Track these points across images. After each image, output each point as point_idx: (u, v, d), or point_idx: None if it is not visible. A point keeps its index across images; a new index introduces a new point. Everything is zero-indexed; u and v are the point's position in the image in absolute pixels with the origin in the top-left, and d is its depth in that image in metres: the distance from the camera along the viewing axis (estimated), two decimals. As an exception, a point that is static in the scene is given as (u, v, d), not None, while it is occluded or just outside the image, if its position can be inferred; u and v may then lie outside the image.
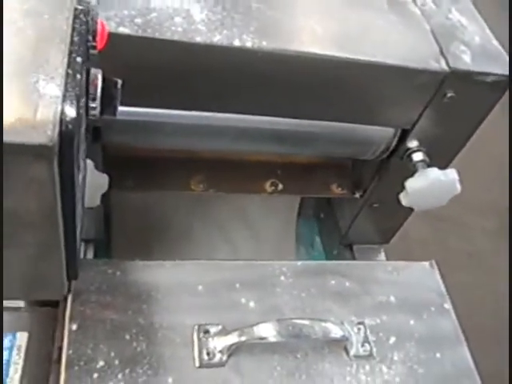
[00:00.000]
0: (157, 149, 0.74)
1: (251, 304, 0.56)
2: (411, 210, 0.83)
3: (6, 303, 0.57)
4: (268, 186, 0.79)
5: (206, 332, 0.53)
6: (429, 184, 0.66)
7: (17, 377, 0.51)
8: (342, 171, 0.84)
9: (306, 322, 0.52)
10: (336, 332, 0.53)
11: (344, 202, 0.88)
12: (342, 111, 0.63)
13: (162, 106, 0.59)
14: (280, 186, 0.80)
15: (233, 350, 0.52)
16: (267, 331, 0.51)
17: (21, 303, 0.57)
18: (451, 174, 0.67)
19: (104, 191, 0.57)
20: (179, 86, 0.54)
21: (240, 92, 0.56)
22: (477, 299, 1.59)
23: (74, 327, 0.51)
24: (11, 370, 0.51)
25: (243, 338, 0.51)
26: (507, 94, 0.63)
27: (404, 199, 0.69)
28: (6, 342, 0.52)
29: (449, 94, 0.63)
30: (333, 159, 0.83)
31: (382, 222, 0.85)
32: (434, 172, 0.66)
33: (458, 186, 0.68)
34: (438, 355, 0.58)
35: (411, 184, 0.67)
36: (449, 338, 0.59)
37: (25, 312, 0.56)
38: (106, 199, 0.76)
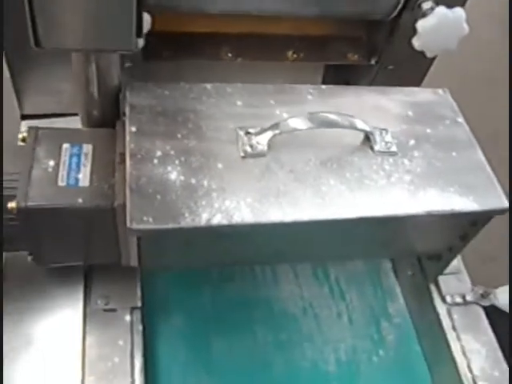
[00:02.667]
0: (189, 21, 0.81)
1: (285, 114, 0.63)
2: (426, 66, 0.90)
3: (66, 125, 0.66)
4: (290, 55, 0.86)
5: (248, 133, 0.60)
6: (438, 21, 0.73)
7: (87, 173, 0.58)
8: (356, 41, 0.90)
9: (335, 115, 0.60)
10: (362, 126, 0.61)
11: (360, 74, 0.95)
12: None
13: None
14: (301, 55, 0.87)
15: (272, 143, 0.59)
16: (301, 122, 0.59)
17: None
18: (458, 11, 0.73)
19: (148, 29, 0.65)
20: None
21: None
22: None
23: (134, 129, 0.58)
24: (82, 169, 0.59)
25: (280, 130, 0.58)
26: None
27: (416, 42, 0.75)
28: (75, 151, 0.60)
29: None
30: (347, 30, 0.90)
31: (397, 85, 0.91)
32: (442, 9, 0.72)
33: (466, 26, 0.74)
34: (453, 154, 0.65)
35: (422, 23, 0.73)
36: (463, 142, 0.66)
37: (86, 131, 0.64)
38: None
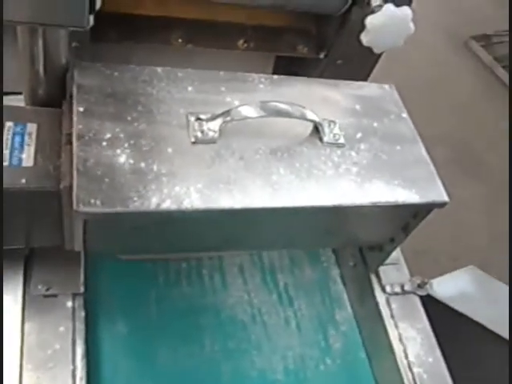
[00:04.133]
0: (140, 4, 0.79)
1: (236, 102, 0.63)
2: (373, 62, 0.92)
3: (7, 102, 0.63)
4: (241, 44, 0.86)
5: (198, 118, 0.60)
6: (386, 18, 0.75)
7: (31, 153, 0.57)
8: (307, 35, 0.91)
9: (286, 105, 0.60)
10: (311, 116, 0.61)
11: (309, 67, 0.96)
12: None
13: None
14: (252, 45, 0.87)
15: (223, 131, 0.59)
16: (252, 110, 0.59)
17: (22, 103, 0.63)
18: (406, 10, 0.75)
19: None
20: None
21: None
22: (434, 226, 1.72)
23: (81, 109, 0.57)
24: (25, 149, 0.57)
25: (231, 117, 0.58)
26: None
27: (364, 38, 0.77)
28: (18, 129, 0.58)
29: None
30: (298, 23, 0.91)
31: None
32: (390, 7, 0.75)
33: (412, 25, 0.77)
34: (398, 148, 0.67)
35: (371, 20, 0.75)
36: (407, 137, 0.68)
37: (30, 109, 0.62)
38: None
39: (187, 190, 0.54)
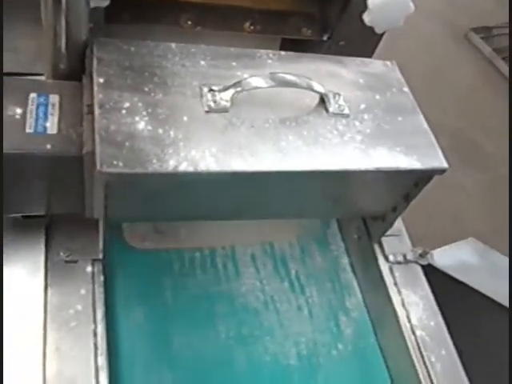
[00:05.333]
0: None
1: (245, 76, 0.67)
2: (375, 44, 0.96)
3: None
4: (247, 27, 0.90)
5: (211, 89, 0.64)
6: (387, -3, 0.79)
7: (55, 122, 0.60)
8: (310, 17, 0.95)
9: (294, 76, 0.64)
10: (318, 88, 0.65)
11: (314, 49, 0.99)
12: None
13: None
14: (258, 27, 0.91)
15: (234, 101, 0.63)
16: (262, 80, 0.62)
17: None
18: (405, -11, 0.79)
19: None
20: None
21: None
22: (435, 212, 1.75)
23: (101, 80, 0.61)
24: (49, 118, 0.60)
25: (242, 87, 0.62)
26: None
27: (367, 17, 0.81)
28: (42, 100, 0.61)
29: None
30: (302, 6, 0.94)
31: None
32: (391, -12, 0.78)
33: (411, 5, 0.80)
34: (399, 118, 0.70)
35: (372, 0, 0.79)
36: (408, 109, 0.72)
37: (53, 83, 0.66)
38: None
39: (203, 154, 0.58)
